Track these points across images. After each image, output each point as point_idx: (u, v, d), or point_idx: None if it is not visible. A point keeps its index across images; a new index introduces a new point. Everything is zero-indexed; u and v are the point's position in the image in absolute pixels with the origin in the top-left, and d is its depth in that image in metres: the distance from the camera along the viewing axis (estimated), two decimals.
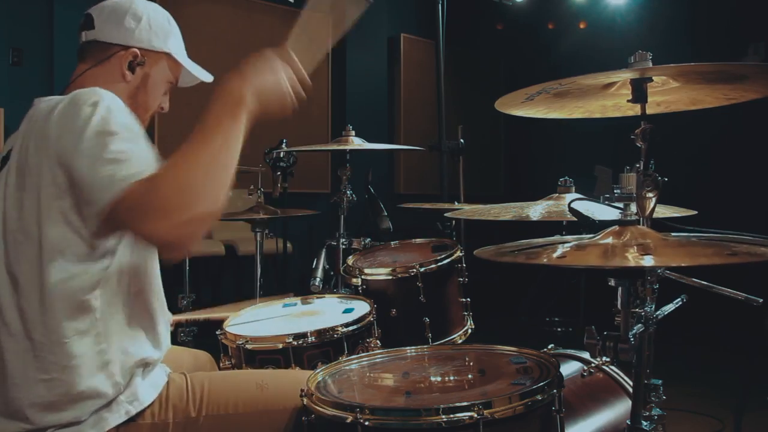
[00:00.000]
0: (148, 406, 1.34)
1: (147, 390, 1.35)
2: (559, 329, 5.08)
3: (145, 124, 1.49)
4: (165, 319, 1.45)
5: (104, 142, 1.18)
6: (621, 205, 1.34)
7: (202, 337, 2.86)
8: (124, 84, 1.46)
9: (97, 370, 1.27)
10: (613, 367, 1.72)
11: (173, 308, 3.00)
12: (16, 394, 1.24)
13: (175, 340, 2.91)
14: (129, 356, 1.33)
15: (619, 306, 1.28)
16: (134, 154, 1.18)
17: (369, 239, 2.58)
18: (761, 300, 1.44)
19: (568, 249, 1.25)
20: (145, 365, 1.37)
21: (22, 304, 1.25)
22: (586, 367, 1.69)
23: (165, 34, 1.51)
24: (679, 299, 1.50)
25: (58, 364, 1.24)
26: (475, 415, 1.16)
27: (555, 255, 1.21)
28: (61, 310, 1.24)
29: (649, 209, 1.29)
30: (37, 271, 1.24)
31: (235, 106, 1.19)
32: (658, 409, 1.38)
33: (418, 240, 2.49)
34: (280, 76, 1.26)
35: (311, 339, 1.74)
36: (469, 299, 2.23)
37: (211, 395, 1.41)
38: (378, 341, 1.88)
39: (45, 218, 1.23)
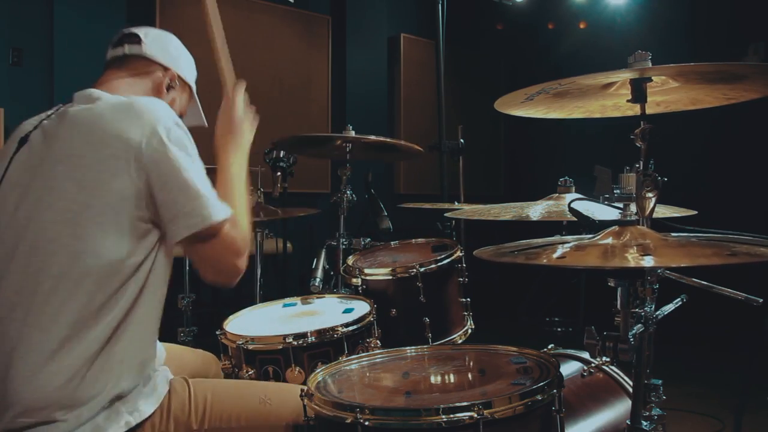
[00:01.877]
0: (149, 417, 1.34)
1: (148, 401, 1.35)
2: (559, 329, 5.08)
3: None
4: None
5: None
6: (621, 205, 1.35)
7: (202, 336, 2.86)
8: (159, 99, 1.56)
9: (119, 371, 1.29)
10: (613, 367, 1.72)
11: (173, 308, 3.01)
12: (30, 389, 1.23)
13: (175, 340, 2.91)
14: (143, 361, 1.35)
15: (618, 306, 1.28)
16: None
17: (369, 239, 2.58)
18: (761, 300, 1.44)
19: (568, 249, 1.25)
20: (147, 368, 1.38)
21: (48, 296, 1.25)
22: (586, 367, 1.69)
23: (192, 71, 1.70)
24: (679, 299, 1.50)
25: (79, 363, 1.24)
26: (475, 415, 1.16)
27: (555, 255, 1.22)
28: (87, 304, 1.25)
29: (649, 209, 1.29)
30: (70, 265, 1.25)
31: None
32: (658, 409, 1.37)
33: (418, 240, 2.49)
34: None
35: (311, 339, 1.74)
36: (469, 299, 2.22)
37: (213, 407, 1.41)
38: (378, 341, 1.88)
39: (103, 222, 1.26)
